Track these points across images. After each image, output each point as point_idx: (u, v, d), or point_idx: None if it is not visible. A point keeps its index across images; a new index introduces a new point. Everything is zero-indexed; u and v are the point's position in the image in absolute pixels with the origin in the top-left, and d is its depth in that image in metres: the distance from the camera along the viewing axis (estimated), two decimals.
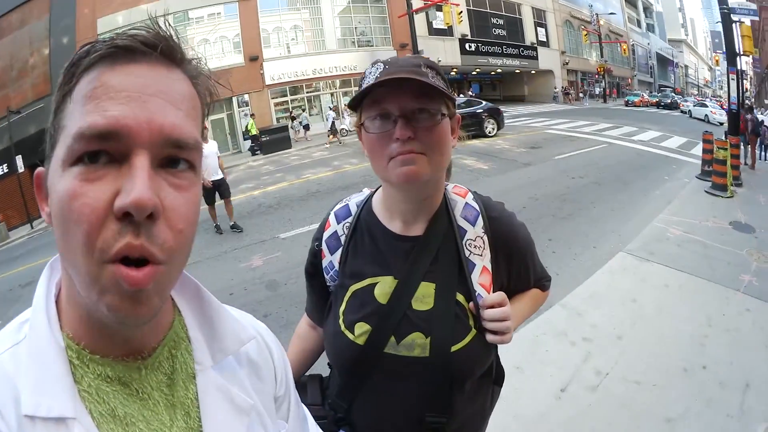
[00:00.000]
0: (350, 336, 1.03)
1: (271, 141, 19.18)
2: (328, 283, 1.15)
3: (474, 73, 35.80)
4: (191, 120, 0.51)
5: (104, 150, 0.46)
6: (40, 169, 0.53)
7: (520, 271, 1.12)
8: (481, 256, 1.04)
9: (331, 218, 1.16)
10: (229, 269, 6.04)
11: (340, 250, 1.12)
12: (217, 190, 7.21)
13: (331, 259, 1.13)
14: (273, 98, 23.56)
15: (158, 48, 0.49)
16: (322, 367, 1.27)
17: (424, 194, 1.01)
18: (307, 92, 24.57)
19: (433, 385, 1.00)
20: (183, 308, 0.65)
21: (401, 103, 0.90)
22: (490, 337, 0.99)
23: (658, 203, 6.68)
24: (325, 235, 1.15)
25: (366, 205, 1.14)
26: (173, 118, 0.48)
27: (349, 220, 1.13)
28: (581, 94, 35.38)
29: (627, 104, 32.97)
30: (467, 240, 1.04)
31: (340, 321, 1.06)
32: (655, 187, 7.96)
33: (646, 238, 4.98)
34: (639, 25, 52.16)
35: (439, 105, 0.93)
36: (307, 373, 1.27)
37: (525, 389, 2.72)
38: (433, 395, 1.00)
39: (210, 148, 6.92)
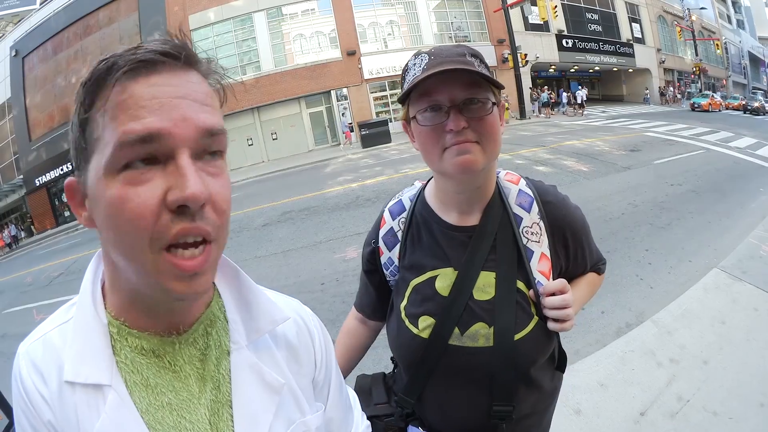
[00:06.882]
0: (414, 330, 1.02)
1: (370, 135, 18.98)
2: (387, 278, 1.15)
3: (572, 70, 34.80)
4: (217, 113, 0.56)
5: (147, 153, 0.50)
6: (70, 179, 0.57)
7: (577, 255, 1.09)
8: (539, 242, 1.02)
9: (386, 215, 1.16)
10: (323, 259, 6.01)
11: (398, 245, 1.11)
12: None
13: (390, 255, 1.13)
14: (372, 92, 23.50)
15: (180, 57, 0.53)
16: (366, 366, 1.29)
17: (477, 183, 0.99)
18: None
19: (498, 374, 0.98)
20: (223, 291, 0.70)
21: (452, 94, 0.89)
22: (551, 325, 0.98)
23: (754, 217, 6.36)
24: (381, 232, 1.15)
25: (420, 198, 1.13)
26: (204, 115, 0.53)
27: (404, 215, 1.12)
28: (678, 95, 32.63)
29: (693, 108, 26.33)
30: (524, 227, 1.02)
31: (403, 316, 1.06)
32: (752, 199, 7.59)
33: (740, 255, 4.68)
34: (729, 21, 48.11)
35: (488, 93, 0.92)
36: (370, 373, 1.25)
37: (606, 408, 2.67)
38: (499, 384, 0.99)
39: None
